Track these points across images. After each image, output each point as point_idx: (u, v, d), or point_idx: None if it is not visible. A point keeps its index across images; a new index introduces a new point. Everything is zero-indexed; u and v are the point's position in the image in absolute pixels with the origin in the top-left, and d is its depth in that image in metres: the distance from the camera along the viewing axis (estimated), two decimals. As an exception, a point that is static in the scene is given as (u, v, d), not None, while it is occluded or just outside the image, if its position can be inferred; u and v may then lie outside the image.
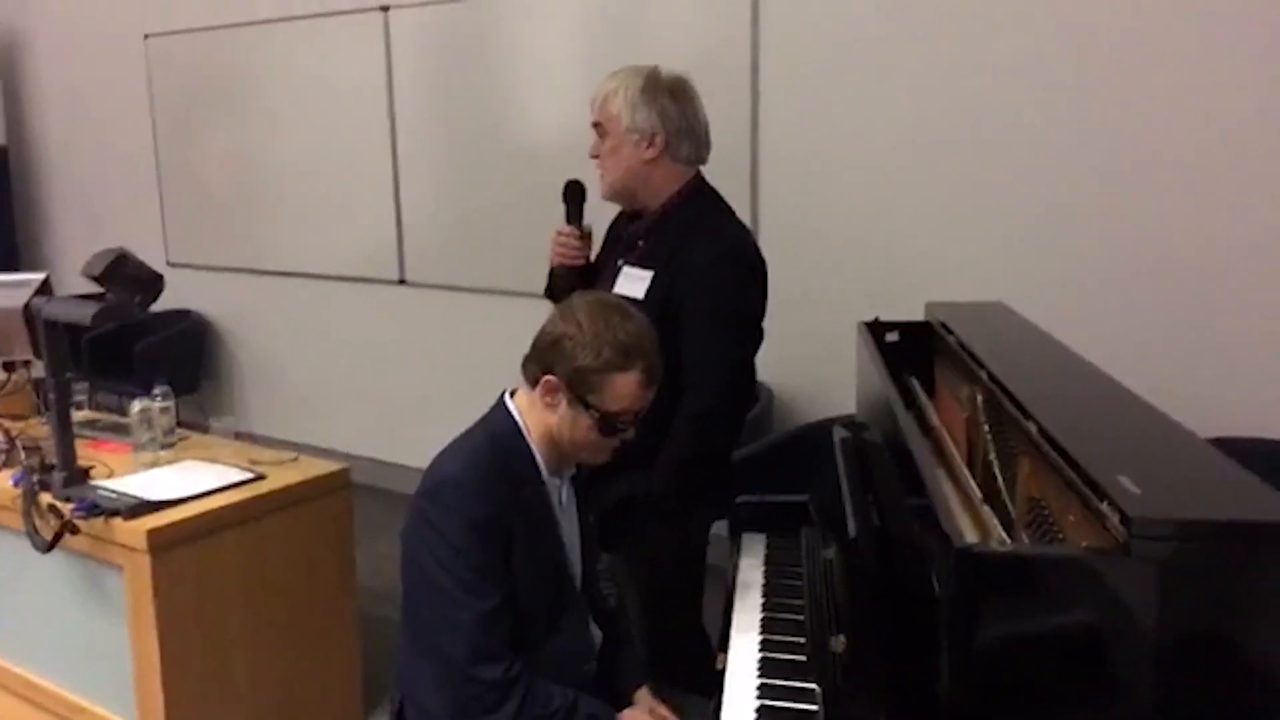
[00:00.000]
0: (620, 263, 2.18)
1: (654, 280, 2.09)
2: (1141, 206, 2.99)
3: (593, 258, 2.32)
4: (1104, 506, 1.01)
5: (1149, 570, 0.95)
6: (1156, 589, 0.96)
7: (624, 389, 1.64)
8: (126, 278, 2.22)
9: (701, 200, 2.16)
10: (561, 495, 1.77)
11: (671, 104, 2.10)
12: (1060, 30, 3.04)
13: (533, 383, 1.68)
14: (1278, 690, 0.96)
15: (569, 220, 2.27)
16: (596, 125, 2.16)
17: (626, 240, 2.22)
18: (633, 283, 2.12)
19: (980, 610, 1.02)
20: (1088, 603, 1.01)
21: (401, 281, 4.64)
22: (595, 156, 2.17)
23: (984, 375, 1.57)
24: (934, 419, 1.91)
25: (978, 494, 1.55)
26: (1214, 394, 2.90)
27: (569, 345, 1.62)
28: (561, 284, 2.28)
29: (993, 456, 1.52)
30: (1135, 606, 0.98)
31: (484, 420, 1.75)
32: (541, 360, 1.66)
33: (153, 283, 2.27)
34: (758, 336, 2.18)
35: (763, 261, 2.19)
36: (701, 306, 2.04)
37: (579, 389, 1.64)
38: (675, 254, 2.08)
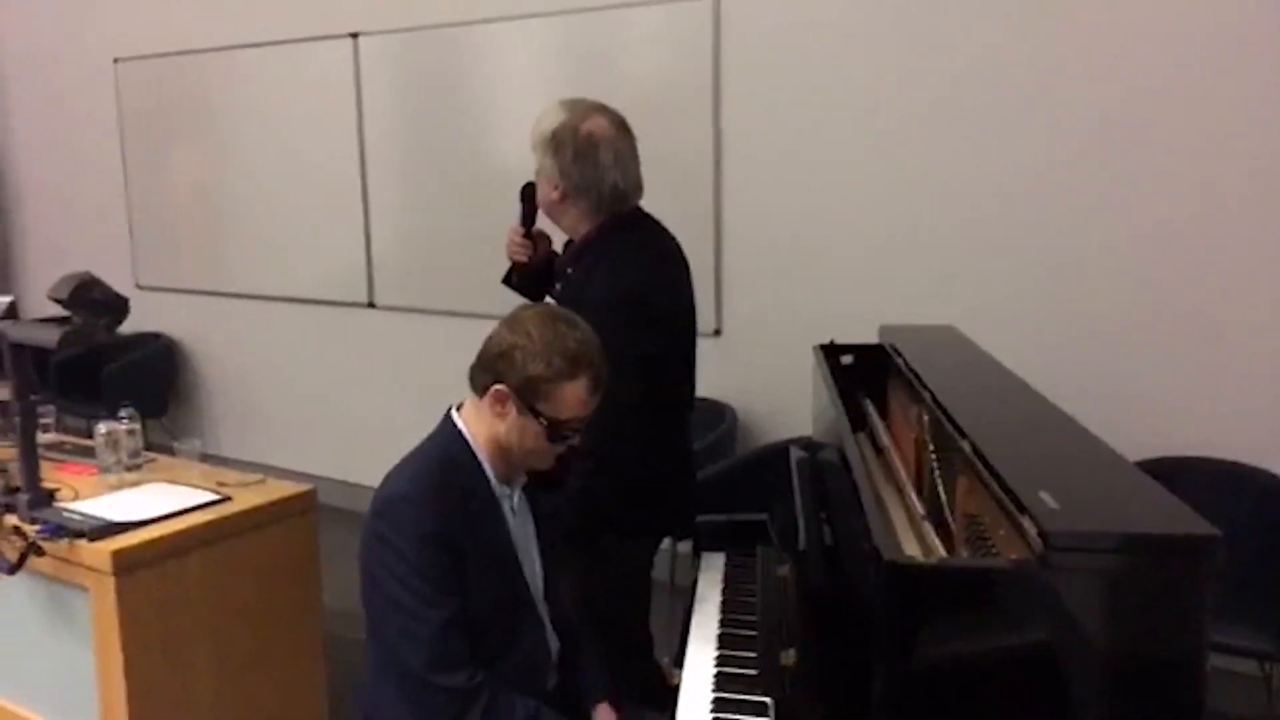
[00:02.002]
0: (557, 286, 2.28)
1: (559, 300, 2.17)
2: (1095, 232, 3.08)
3: (548, 253, 2.41)
4: (1025, 521, 1.06)
5: (1064, 580, 1.01)
6: (1074, 597, 1.02)
7: (572, 397, 1.68)
8: (92, 301, 2.24)
9: (610, 240, 2.17)
10: (513, 504, 1.80)
11: (571, 161, 2.12)
12: (1011, 59, 3.14)
13: (481, 391, 1.72)
14: (1189, 689, 1.02)
15: (523, 221, 2.35)
16: None
17: (558, 266, 2.31)
18: None
19: (909, 621, 1.07)
20: (1013, 612, 1.07)
21: (370, 305, 4.67)
22: None
23: (928, 396, 1.63)
24: (885, 439, 1.97)
25: (922, 512, 1.61)
26: (1157, 413, 3.00)
27: (519, 355, 1.66)
28: (516, 276, 2.43)
29: (936, 475, 1.58)
30: (1056, 614, 1.03)
31: (431, 436, 1.78)
32: (490, 370, 1.70)
33: (119, 306, 2.29)
34: (656, 374, 2.14)
35: (658, 304, 2.16)
36: None
37: (529, 398, 1.67)
38: (578, 293, 2.12)
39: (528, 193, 2.30)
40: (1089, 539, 1.00)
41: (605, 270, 2.13)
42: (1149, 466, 2.56)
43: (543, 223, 2.35)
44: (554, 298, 2.28)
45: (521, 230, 2.36)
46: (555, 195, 2.17)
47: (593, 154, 2.12)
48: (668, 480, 2.26)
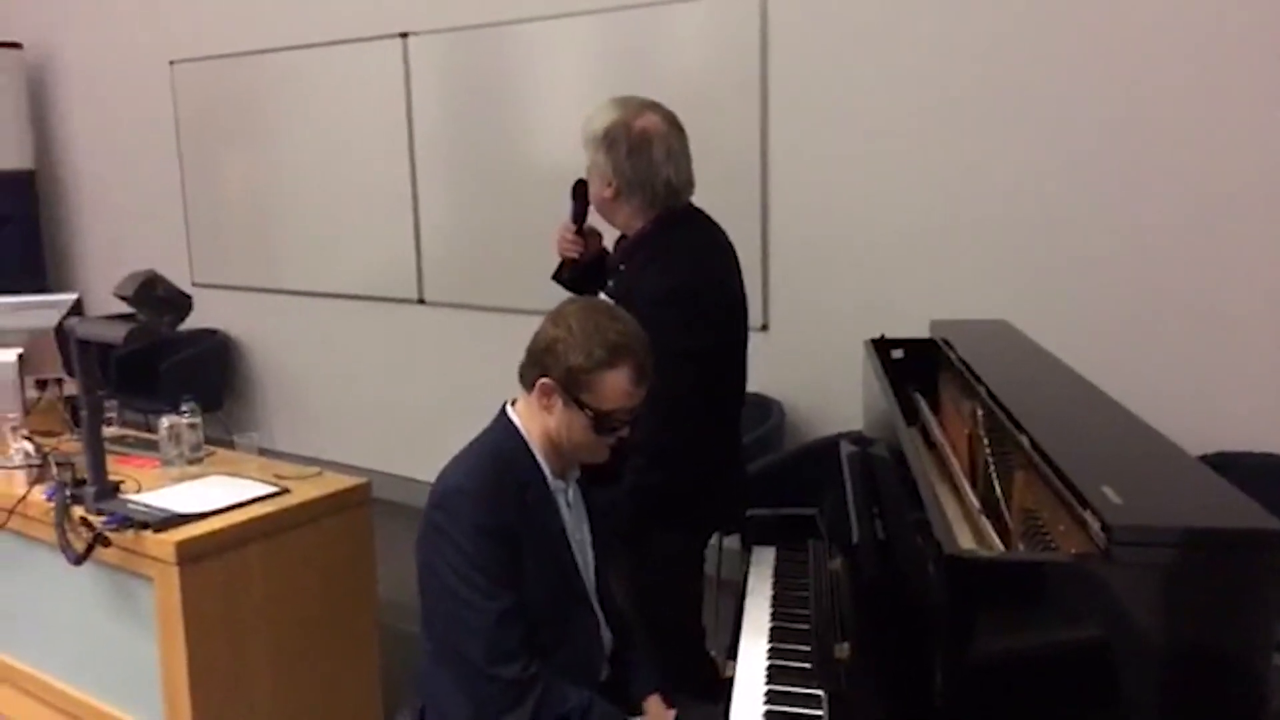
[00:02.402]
0: (608, 282, 2.29)
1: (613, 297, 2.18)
2: (1145, 224, 3.03)
3: (599, 250, 2.42)
4: (1088, 515, 1.06)
5: (1129, 575, 1.00)
6: (1137, 593, 1.01)
7: (614, 386, 1.70)
8: (156, 299, 2.29)
9: (663, 236, 2.18)
10: (568, 498, 1.83)
11: (624, 158, 2.13)
12: (1065, 51, 3.10)
13: (529, 387, 1.75)
14: (1252, 687, 1.01)
15: (574, 218, 2.36)
16: None
17: (612, 261, 2.32)
18: None
19: (970, 615, 1.07)
20: (1074, 607, 1.06)
21: (420, 301, 4.73)
22: None
23: (983, 391, 1.63)
24: (938, 434, 1.96)
25: (978, 506, 1.60)
26: (1214, 408, 2.94)
27: (561, 348, 1.69)
28: (567, 272, 2.45)
29: (992, 469, 1.57)
30: (1118, 609, 1.03)
31: (488, 430, 1.82)
32: (536, 364, 1.73)
33: (181, 303, 2.35)
34: (710, 369, 2.16)
35: (710, 299, 2.16)
36: None
37: (572, 389, 1.70)
38: (630, 290, 2.14)
39: (579, 190, 2.32)
40: (1153, 533, 0.99)
41: (658, 266, 2.15)
42: (1203, 461, 2.52)
43: (594, 219, 2.36)
44: (606, 294, 2.28)
45: (573, 227, 2.38)
46: (608, 193, 2.19)
47: (646, 150, 2.14)
48: (719, 475, 2.27)
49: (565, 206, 2.39)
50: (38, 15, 6.07)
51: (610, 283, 2.29)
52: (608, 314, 1.74)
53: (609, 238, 2.42)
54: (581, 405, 1.70)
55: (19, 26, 6.04)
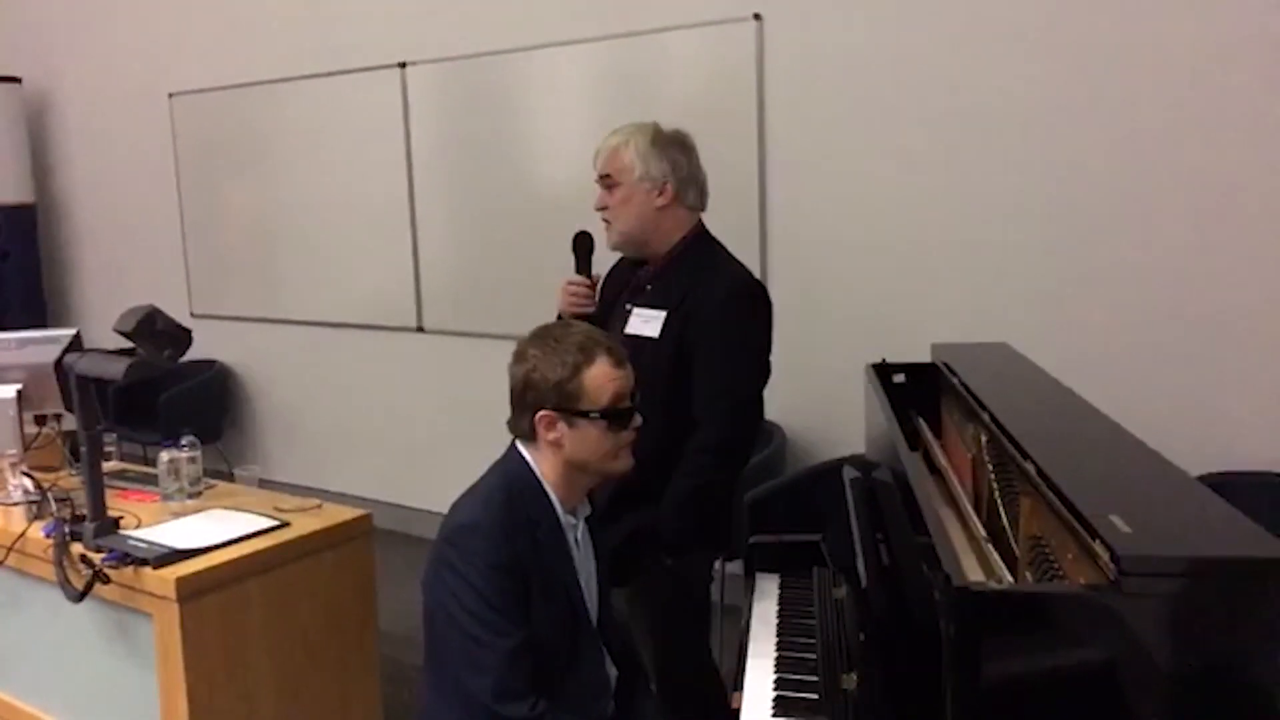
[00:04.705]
0: (629, 306, 2.27)
1: (668, 320, 2.17)
2: (1144, 246, 3.04)
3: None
4: (1096, 544, 1.05)
5: (1139, 605, 0.99)
6: (1147, 624, 1.00)
7: (601, 378, 1.71)
8: (156, 333, 2.29)
9: (706, 244, 2.27)
10: (578, 535, 1.82)
11: (680, 153, 2.22)
12: (1065, 71, 3.12)
13: (529, 433, 1.75)
14: (1260, 718, 0.99)
15: (578, 270, 2.36)
16: (605, 178, 2.24)
17: (635, 284, 2.31)
18: (646, 323, 2.20)
19: (980, 647, 1.06)
20: (1084, 638, 1.05)
21: (419, 329, 4.73)
22: (602, 208, 2.26)
23: (986, 416, 1.62)
24: (941, 459, 1.95)
25: (983, 533, 1.59)
26: (1214, 427, 2.94)
27: (537, 376, 1.71)
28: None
29: (997, 496, 1.56)
30: (1128, 639, 1.02)
31: (498, 465, 1.81)
32: (525, 406, 1.74)
33: (181, 337, 2.35)
34: (767, 371, 2.24)
35: (769, 299, 2.27)
36: (715, 342, 2.12)
37: (569, 404, 1.71)
38: (688, 294, 2.16)
39: (581, 241, 2.35)
40: (1163, 563, 0.98)
41: (716, 271, 2.20)
42: (1206, 482, 2.51)
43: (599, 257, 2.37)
44: (636, 311, 2.25)
45: (581, 279, 2.36)
46: (664, 199, 2.21)
47: (691, 149, 2.26)
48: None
49: (561, 232, 2.39)
50: (37, 50, 6.10)
51: (629, 306, 2.27)
52: (557, 328, 1.79)
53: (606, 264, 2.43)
54: (585, 414, 1.70)
55: (18, 61, 6.07)
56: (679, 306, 2.16)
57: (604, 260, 2.41)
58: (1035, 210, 3.20)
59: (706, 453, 2.09)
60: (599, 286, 2.38)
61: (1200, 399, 2.99)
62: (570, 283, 2.36)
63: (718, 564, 3.35)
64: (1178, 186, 2.98)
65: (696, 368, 2.12)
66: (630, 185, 2.20)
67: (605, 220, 2.27)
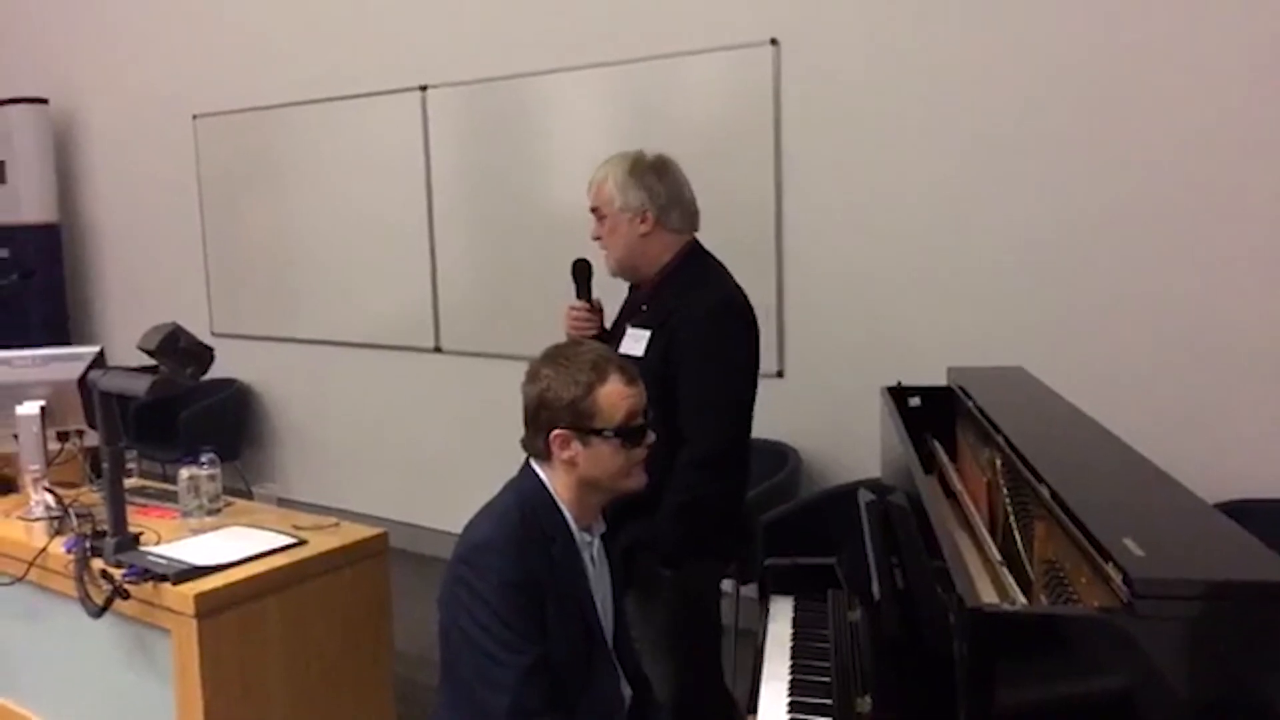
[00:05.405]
0: (626, 327, 2.34)
1: (652, 337, 2.24)
2: (1160, 271, 3.04)
3: (608, 325, 2.47)
4: (1109, 567, 1.06)
5: (1152, 628, 1.00)
6: (1160, 646, 1.01)
7: (615, 396, 1.73)
8: (179, 351, 2.32)
9: (695, 262, 2.31)
10: (593, 553, 1.83)
11: (656, 181, 2.27)
12: (1081, 95, 3.13)
13: (544, 452, 1.77)
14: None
15: (579, 296, 2.45)
16: (595, 210, 2.33)
17: (631, 305, 2.40)
18: (634, 342, 2.27)
19: (993, 668, 1.06)
20: (1097, 661, 1.05)
21: (437, 349, 4.76)
22: (597, 238, 2.35)
23: (1001, 440, 1.62)
24: (956, 483, 1.95)
25: (998, 557, 1.59)
26: (1231, 454, 2.92)
27: (550, 396, 1.73)
28: None
29: (1012, 520, 1.56)
30: (1141, 663, 1.02)
31: (513, 483, 1.82)
32: (539, 425, 1.75)
33: (203, 355, 2.38)
34: (752, 384, 2.27)
35: (754, 315, 2.29)
36: (698, 357, 2.16)
37: (583, 422, 1.72)
38: (672, 312, 2.23)
39: (580, 268, 2.43)
40: (1176, 586, 0.99)
41: (701, 286, 2.25)
42: (1222, 508, 2.50)
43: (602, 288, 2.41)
44: (632, 330, 2.31)
45: (582, 304, 2.44)
46: (646, 226, 2.27)
47: (670, 172, 2.31)
48: (743, 496, 2.34)
49: (577, 253, 2.43)
50: (64, 71, 6.21)
51: (627, 325, 2.34)
52: (569, 348, 1.80)
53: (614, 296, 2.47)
54: (599, 432, 1.72)
55: (45, 82, 6.18)
56: (664, 325, 2.22)
57: (606, 285, 2.47)
58: (1051, 234, 3.20)
59: (693, 468, 2.13)
60: (601, 309, 2.47)
61: (1216, 425, 2.98)
62: (572, 308, 2.45)
63: (729, 586, 3.37)
64: (1196, 213, 2.98)
65: (680, 384, 2.17)
66: (614, 216, 2.29)
67: (602, 249, 2.35)
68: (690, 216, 2.32)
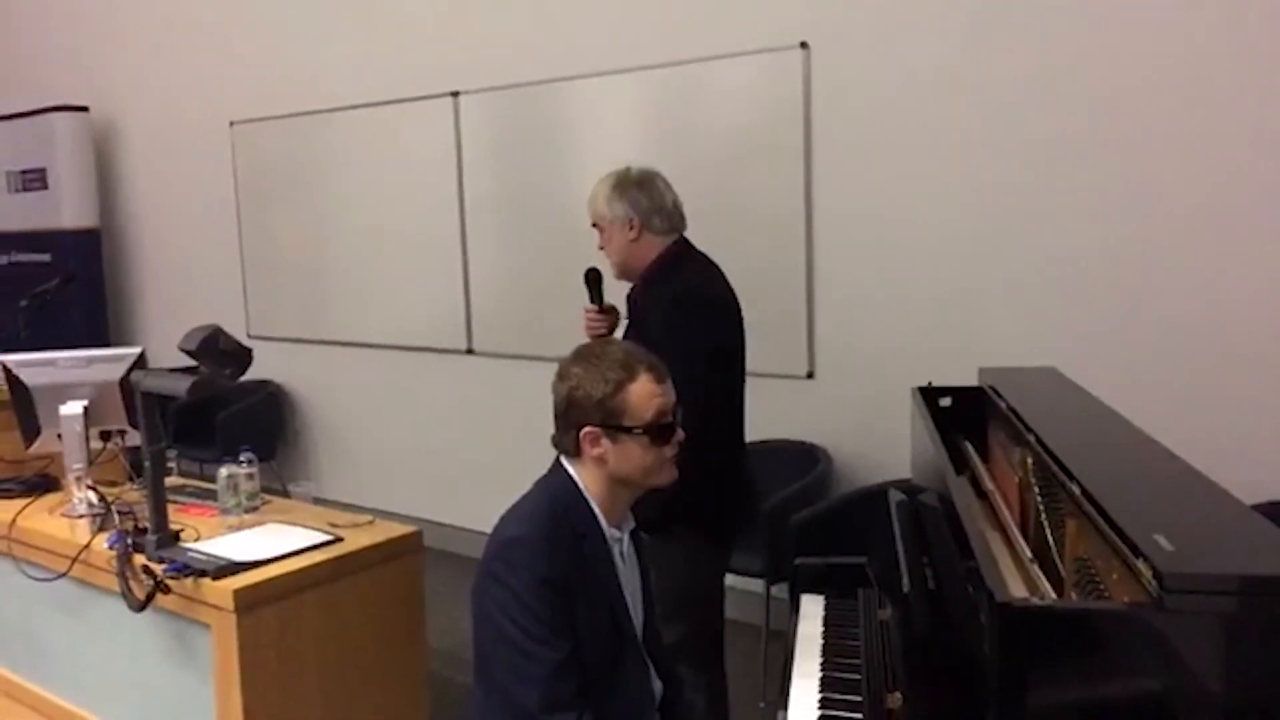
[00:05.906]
0: (628, 320, 2.58)
1: (626, 332, 2.50)
2: (1196, 270, 3.01)
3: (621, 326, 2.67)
4: (1140, 563, 1.06)
5: (1182, 622, 1.00)
6: (1190, 641, 1.01)
7: (644, 394, 1.75)
8: (219, 352, 2.37)
9: (673, 261, 2.50)
10: (623, 549, 1.84)
11: (638, 192, 2.50)
12: (1114, 100, 3.11)
13: (573, 449, 1.79)
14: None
15: (592, 300, 2.66)
16: (594, 224, 2.57)
17: (629, 304, 2.59)
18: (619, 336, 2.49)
19: (1023, 664, 1.07)
20: (1127, 655, 1.06)
21: (469, 351, 4.81)
22: (601, 248, 2.58)
23: (1032, 439, 1.63)
24: (988, 482, 1.95)
25: (1029, 555, 1.59)
26: (1268, 455, 2.89)
27: (580, 394, 1.75)
28: None
29: (1043, 518, 1.56)
30: (1171, 658, 1.02)
31: (544, 480, 1.85)
32: (569, 423, 1.78)
33: (243, 356, 2.42)
34: (719, 370, 2.42)
35: (729, 300, 2.49)
36: (662, 344, 2.17)
37: (612, 420, 1.74)
38: (643, 307, 2.46)
39: (591, 276, 2.66)
40: (1206, 581, 0.99)
41: (666, 282, 2.45)
42: (1258, 510, 2.47)
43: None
44: (627, 327, 2.55)
45: (596, 309, 2.65)
46: (633, 234, 2.49)
47: (650, 183, 2.52)
48: (728, 478, 2.48)
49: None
50: (104, 79, 6.33)
51: (626, 322, 2.55)
52: (598, 346, 1.84)
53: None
54: (629, 430, 1.74)
55: (86, 90, 6.30)
56: (637, 319, 2.46)
57: (617, 290, 2.64)
58: (1083, 237, 3.19)
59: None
60: (614, 312, 2.66)
61: (1249, 426, 2.94)
62: (586, 310, 2.66)
63: (760, 586, 3.37)
64: (1228, 218, 2.95)
65: None
66: (607, 226, 2.53)
67: (606, 256, 2.58)
68: (671, 219, 2.51)
